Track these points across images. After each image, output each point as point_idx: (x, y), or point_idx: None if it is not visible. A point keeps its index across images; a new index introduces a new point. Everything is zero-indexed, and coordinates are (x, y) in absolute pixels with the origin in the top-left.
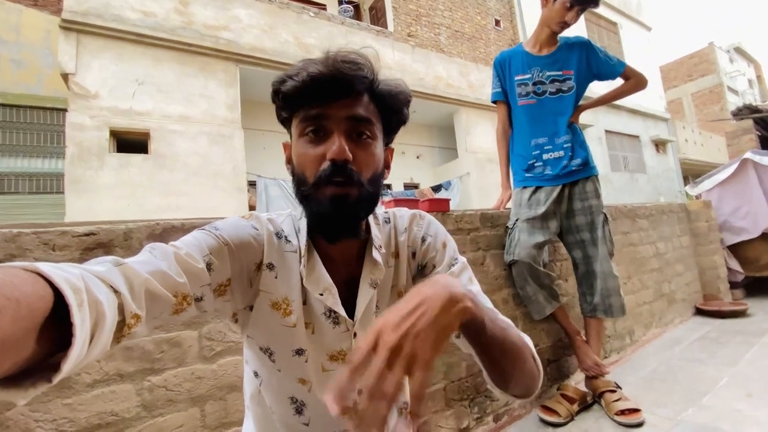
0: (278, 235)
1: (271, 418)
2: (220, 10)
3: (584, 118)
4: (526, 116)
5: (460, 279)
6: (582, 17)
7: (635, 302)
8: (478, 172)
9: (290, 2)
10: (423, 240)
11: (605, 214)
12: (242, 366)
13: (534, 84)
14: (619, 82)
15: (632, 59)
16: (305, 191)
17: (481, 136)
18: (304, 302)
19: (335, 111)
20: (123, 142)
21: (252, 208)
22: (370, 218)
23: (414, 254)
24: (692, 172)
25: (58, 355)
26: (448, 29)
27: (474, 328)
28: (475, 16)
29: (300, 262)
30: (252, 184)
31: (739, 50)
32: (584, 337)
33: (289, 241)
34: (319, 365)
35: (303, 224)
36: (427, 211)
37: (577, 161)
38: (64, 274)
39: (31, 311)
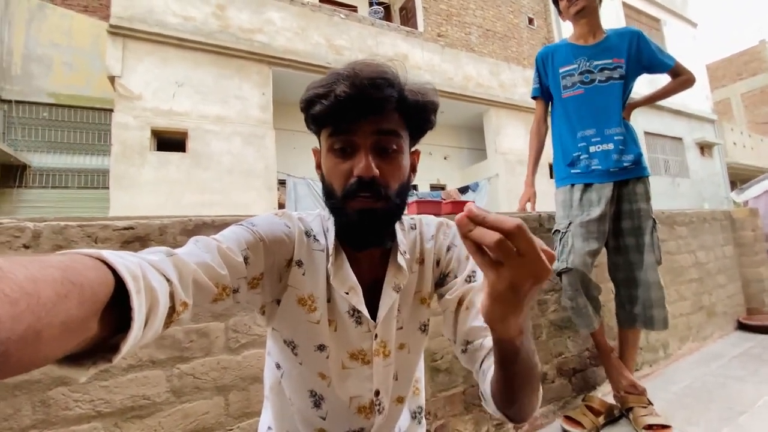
0: (307, 234)
1: (290, 410)
2: (254, 13)
3: None
4: (573, 108)
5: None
6: (621, 13)
7: (671, 314)
8: (507, 174)
9: (322, 5)
10: (448, 249)
11: (654, 220)
12: (264, 358)
13: (581, 74)
14: (665, 80)
15: (677, 57)
16: (334, 203)
17: (512, 137)
18: (329, 300)
19: (362, 128)
20: (163, 141)
21: (281, 206)
22: (396, 224)
23: (438, 262)
24: (741, 177)
25: (118, 336)
26: (479, 28)
27: (513, 348)
28: (507, 14)
29: (327, 260)
30: (282, 183)
31: None
32: (617, 351)
33: (317, 240)
34: (340, 362)
35: (331, 224)
36: (450, 213)
37: (629, 157)
38: (125, 261)
39: (94, 295)
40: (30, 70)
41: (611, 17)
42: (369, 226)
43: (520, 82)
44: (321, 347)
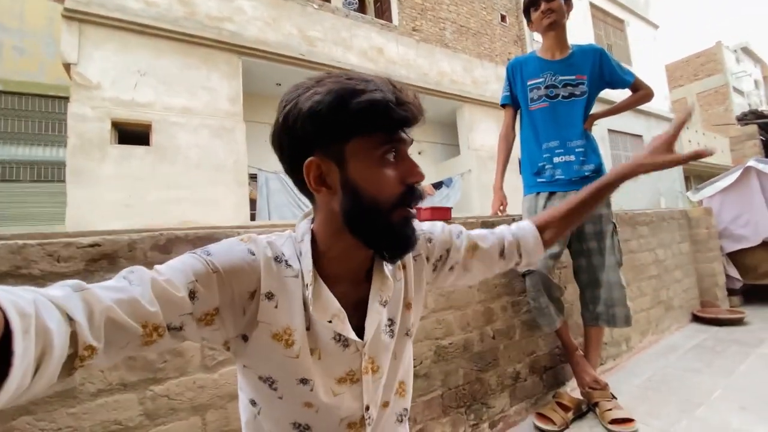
0: (278, 260)
1: None
2: (223, 1)
3: None
4: (539, 120)
5: (464, 233)
6: (589, 14)
7: (633, 309)
8: (479, 169)
9: None
10: (429, 240)
11: (614, 224)
12: None
13: (546, 87)
14: (627, 93)
15: (638, 57)
16: (376, 212)
17: (484, 133)
18: (308, 328)
19: (407, 136)
20: (125, 134)
21: (253, 201)
22: None
23: (428, 258)
24: (694, 173)
25: None
26: (453, 24)
27: (616, 185)
28: (480, 11)
29: (303, 286)
30: (253, 177)
31: (746, 50)
32: (581, 350)
33: (290, 266)
34: (330, 391)
35: (305, 247)
36: (428, 219)
37: (590, 167)
38: (14, 297)
39: None
40: None
41: (579, 17)
42: (413, 234)
43: (493, 79)
44: (303, 381)
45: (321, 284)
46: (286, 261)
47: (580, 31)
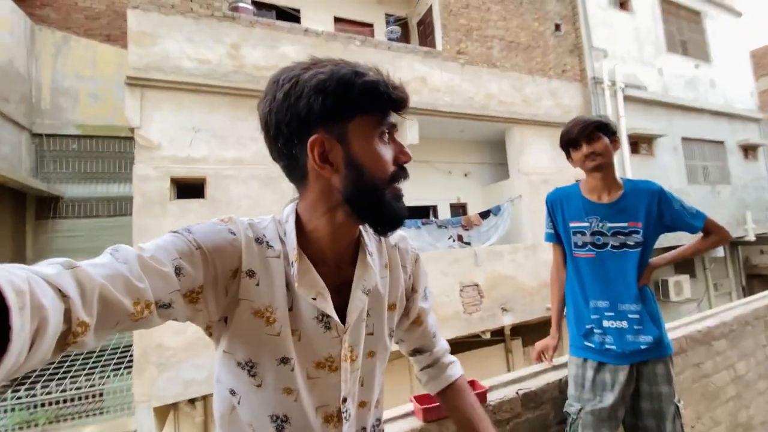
0: (258, 241)
1: None
2: (268, 49)
3: (657, 127)
4: (585, 272)
5: (429, 303)
6: (658, 9)
7: None
8: (531, 194)
9: (337, 33)
10: (416, 261)
11: (677, 405)
12: None
13: (592, 234)
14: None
15: (718, 51)
16: (374, 189)
17: (537, 155)
18: (290, 308)
19: (396, 119)
20: (182, 188)
21: None
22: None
23: (405, 269)
24: None
25: None
26: (501, 41)
27: None
28: (532, 23)
29: (290, 266)
30: None
31: None
32: None
33: (271, 246)
34: (305, 373)
35: (290, 228)
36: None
37: (647, 339)
38: (8, 275)
39: None
40: (58, 104)
41: (647, 14)
42: (403, 209)
43: (546, 95)
44: (284, 360)
45: (306, 262)
46: (267, 242)
47: (647, 29)
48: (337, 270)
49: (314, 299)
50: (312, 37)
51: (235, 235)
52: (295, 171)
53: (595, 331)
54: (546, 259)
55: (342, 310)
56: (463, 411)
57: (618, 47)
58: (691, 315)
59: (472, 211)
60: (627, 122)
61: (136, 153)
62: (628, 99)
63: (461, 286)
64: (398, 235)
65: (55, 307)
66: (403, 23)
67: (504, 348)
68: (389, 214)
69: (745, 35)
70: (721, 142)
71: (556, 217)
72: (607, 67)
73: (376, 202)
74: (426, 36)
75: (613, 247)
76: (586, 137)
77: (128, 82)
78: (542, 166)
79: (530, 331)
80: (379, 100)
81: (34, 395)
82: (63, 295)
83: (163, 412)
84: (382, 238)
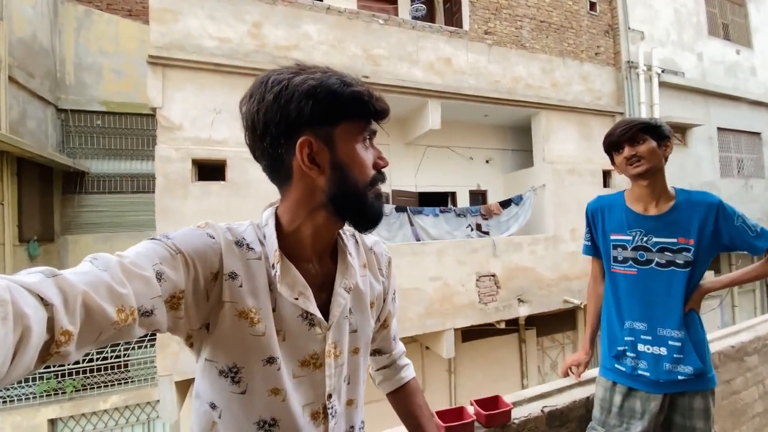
0: (239, 243)
1: None
2: (290, 27)
3: (693, 116)
4: (622, 289)
5: (395, 308)
6: None
7: None
8: (555, 184)
9: (360, 11)
10: (389, 264)
11: None
12: None
13: (635, 249)
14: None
15: (761, 37)
16: (356, 190)
17: (563, 142)
18: (274, 309)
19: (376, 128)
20: (203, 169)
21: None
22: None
23: (381, 271)
24: None
25: None
26: (531, 20)
27: None
28: (566, 1)
29: (271, 267)
30: None
31: None
32: None
33: (252, 249)
34: (291, 372)
35: (269, 231)
36: (486, 426)
37: (687, 370)
38: None
39: None
40: (82, 79)
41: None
42: (382, 208)
43: (576, 80)
44: (270, 360)
45: (288, 263)
46: (248, 244)
47: (689, 10)
48: (319, 270)
49: (296, 299)
50: (334, 15)
51: (214, 238)
52: (279, 171)
53: (628, 354)
54: (566, 251)
55: (325, 308)
56: (412, 411)
57: (656, 29)
58: (713, 312)
59: (492, 198)
60: (661, 110)
61: (158, 133)
62: (663, 85)
63: (478, 275)
64: (372, 239)
65: (38, 316)
66: (428, 1)
67: (518, 338)
68: (371, 213)
69: None
70: (758, 134)
71: (596, 227)
72: (644, 50)
73: (359, 202)
74: (452, 14)
75: (658, 264)
76: (628, 140)
77: (150, 60)
78: (568, 155)
79: (545, 322)
80: (363, 109)
81: (62, 364)
82: (45, 303)
83: (184, 386)
84: (359, 241)
